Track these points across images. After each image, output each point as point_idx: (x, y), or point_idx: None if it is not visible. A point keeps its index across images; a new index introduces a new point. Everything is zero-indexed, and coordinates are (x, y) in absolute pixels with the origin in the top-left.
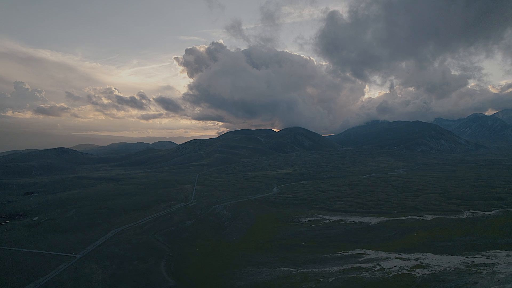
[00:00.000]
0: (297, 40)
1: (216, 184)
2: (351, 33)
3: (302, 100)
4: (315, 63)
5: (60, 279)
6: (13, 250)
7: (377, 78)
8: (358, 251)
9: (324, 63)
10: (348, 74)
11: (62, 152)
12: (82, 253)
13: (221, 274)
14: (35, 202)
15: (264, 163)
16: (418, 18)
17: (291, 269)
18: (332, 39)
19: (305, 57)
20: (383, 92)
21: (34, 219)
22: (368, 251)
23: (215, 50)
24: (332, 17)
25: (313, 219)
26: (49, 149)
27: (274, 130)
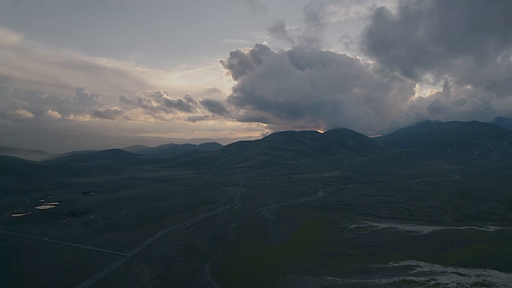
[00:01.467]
0: (342, 39)
1: (260, 186)
2: (400, 30)
3: (348, 100)
4: (361, 62)
5: (113, 276)
6: (74, 246)
7: (429, 76)
8: (409, 262)
9: (371, 62)
10: (396, 73)
11: (116, 153)
12: (132, 252)
13: (264, 280)
14: (92, 201)
15: (308, 166)
16: (479, 11)
17: (337, 279)
18: (380, 37)
19: (350, 56)
20: (435, 91)
21: (91, 217)
22: (420, 263)
23: (259, 52)
24: (379, 14)
25: (360, 225)
26: (105, 150)
27: (319, 131)
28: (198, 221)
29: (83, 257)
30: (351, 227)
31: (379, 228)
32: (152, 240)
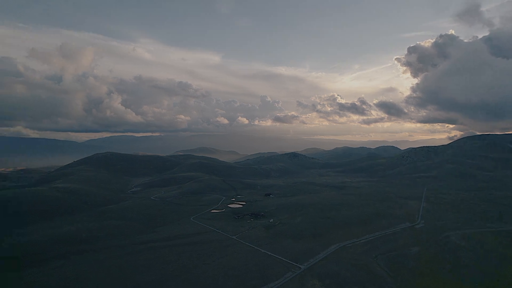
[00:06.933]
0: None
1: (447, 202)
2: None
3: None
4: None
5: None
6: (255, 249)
7: None
8: None
9: None
10: None
11: (293, 156)
12: (305, 265)
13: None
14: (271, 204)
15: None
16: None
17: None
18: None
19: None
20: None
21: (270, 221)
22: None
23: (444, 44)
24: None
25: None
26: (284, 153)
27: None
28: (373, 239)
29: (261, 261)
30: None
31: None
32: (325, 254)
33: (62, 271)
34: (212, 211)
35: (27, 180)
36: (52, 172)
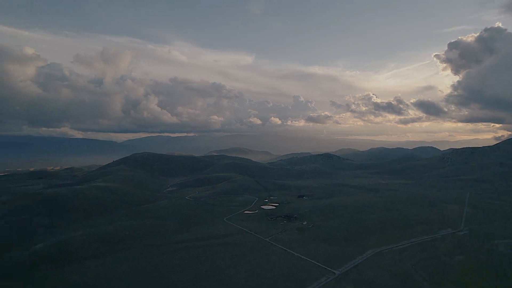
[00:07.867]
0: None
1: (494, 208)
2: None
3: None
4: None
5: None
6: (288, 252)
7: None
8: None
9: None
10: None
11: (327, 157)
12: (340, 270)
13: None
14: (305, 206)
15: None
16: None
17: None
18: None
19: None
20: None
21: (303, 223)
22: None
23: (490, 38)
24: None
25: None
26: (317, 154)
27: None
28: (411, 245)
29: (294, 265)
30: None
31: None
32: (360, 259)
33: (97, 271)
34: (245, 212)
35: (72, 179)
36: (94, 171)
